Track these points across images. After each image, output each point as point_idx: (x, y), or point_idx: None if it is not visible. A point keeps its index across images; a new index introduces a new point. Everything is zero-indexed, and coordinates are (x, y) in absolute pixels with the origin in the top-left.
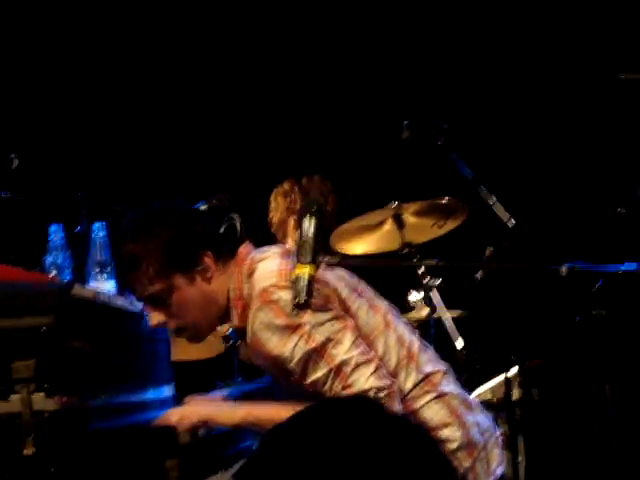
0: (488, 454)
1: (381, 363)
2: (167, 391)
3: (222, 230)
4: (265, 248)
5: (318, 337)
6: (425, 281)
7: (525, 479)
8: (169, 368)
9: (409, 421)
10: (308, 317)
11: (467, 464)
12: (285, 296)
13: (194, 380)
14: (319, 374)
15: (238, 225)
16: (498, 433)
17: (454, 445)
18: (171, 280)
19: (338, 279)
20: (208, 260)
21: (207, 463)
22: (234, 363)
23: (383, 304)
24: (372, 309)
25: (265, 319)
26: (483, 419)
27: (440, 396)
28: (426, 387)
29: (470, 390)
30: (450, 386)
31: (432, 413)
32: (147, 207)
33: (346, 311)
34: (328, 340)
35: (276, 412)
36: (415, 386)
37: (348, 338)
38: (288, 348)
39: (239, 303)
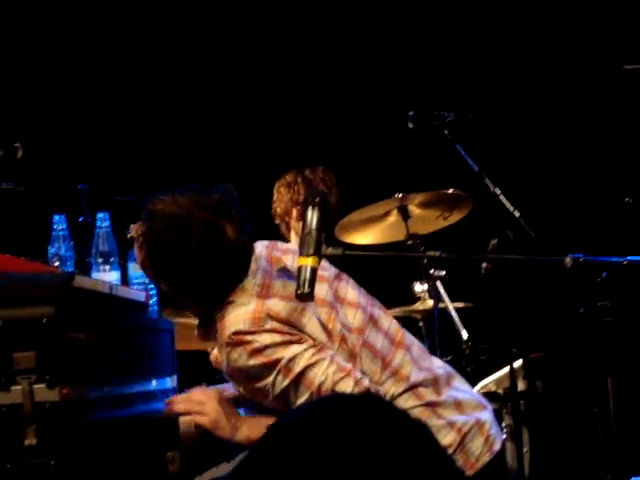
0: (465, 449)
1: (359, 374)
2: (170, 382)
3: None
4: (257, 243)
5: (295, 368)
6: (430, 272)
7: (530, 470)
8: (173, 359)
9: (411, 417)
10: (283, 352)
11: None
12: (258, 338)
13: (198, 370)
14: (302, 399)
15: None
16: (483, 421)
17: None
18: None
19: (314, 321)
20: None
21: (209, 454)
22: None
23: (353, 334)
24: (340, 346)
25: (240, 362)
26: (457, 416)
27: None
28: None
29: (475, 382)
30: (411, 403)
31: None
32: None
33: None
34: (305, 367)
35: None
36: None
37: (324, 360)
38: (267, 384)
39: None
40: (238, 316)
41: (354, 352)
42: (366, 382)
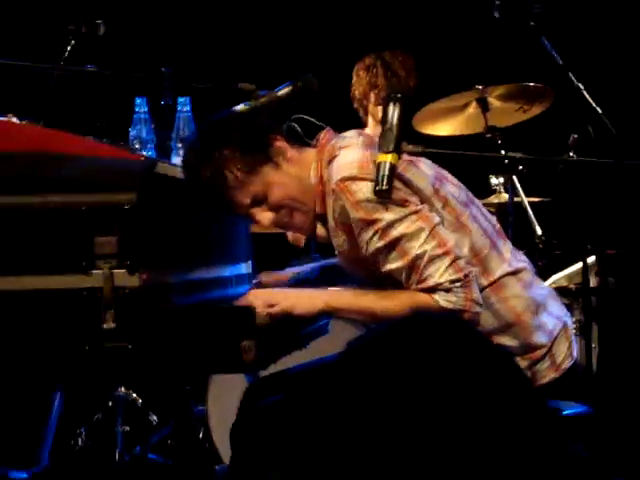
0: (553, 352)
1: (458, 254)
2: (245, 268)
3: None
4: (348, 134)
5: (393, 233)
6: (507, 166)
7: (598, 366)
8: (248, 245)
9: (490, 342)
10: (384, 213)
11: (525, 364)
12: (363, 188)
13: (271, 253)
14: (393, 266)
15: (299, 131)
16: (569, 324)
17: (514, 348)
18: (259, 175)
19: (420, 174)
20: (280, 143)
21: (283, 343)
22: (311, 241)
23: (457, 201)
24: (445, 208)
25: (343, 210)
26: (549, 318)
27: (504, 299)
28: (491, 292)
29: (547, 276)
30: (517, 287)
31: (495, 315)
32: (204, 124)
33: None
34: (402, 236)
35: (355, 300)
36: (482, 290)
37: (424, 232)
38: (363, 240)
39: (318, 189)
40: (345, 164)
41: (460, 221)
42: (462, 264)
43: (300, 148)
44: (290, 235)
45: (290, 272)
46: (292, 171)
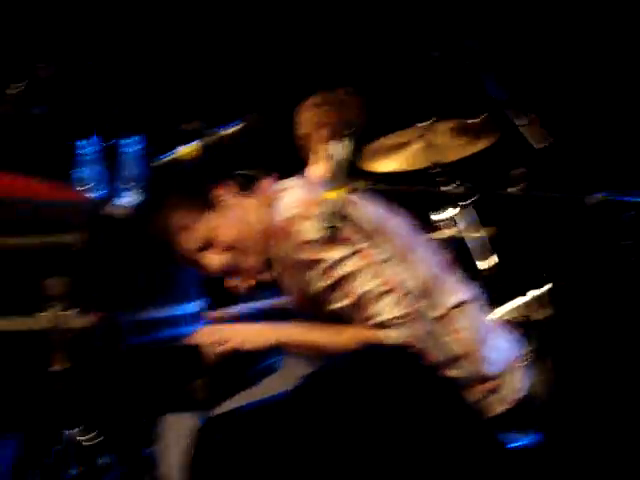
0: (504, 383)
1: (404, 290)
2: (196, 306)
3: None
4: (287, 180)
5: (338, 272)
6: (452, 200)
7: (554, 395)
8: (200, 283)
9: (437, 375)
10: (328, 252)
11: (474, 397)
12: (307, 228)
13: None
14: (338, 305)
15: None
16: (519, 355)
17: (463, 380)
18: (205, 220)
19: (363, 211)
20: (224, 189)
21: (234, 381)
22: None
23: (401, 236)
24: (388, 243)
25: (288, 251)
26: (498, 350)
27: (453, 332)
28: (440, 325)
29: (496, 308)
30: (465, 320)
31: (444, 348)
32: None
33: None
34: (347, 275)
35: (304, 335)
36: (430, 323)
37: (369, 270)
38: (308, 280)
39: (263, 231)
40: (288, 204)
41: (406, 255)
42: (408, 300)
43: (244, 194)
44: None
45: (241, 309)
46: (237, 215)
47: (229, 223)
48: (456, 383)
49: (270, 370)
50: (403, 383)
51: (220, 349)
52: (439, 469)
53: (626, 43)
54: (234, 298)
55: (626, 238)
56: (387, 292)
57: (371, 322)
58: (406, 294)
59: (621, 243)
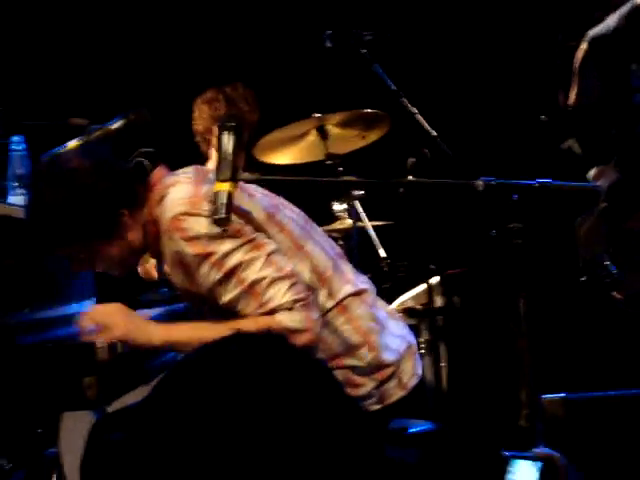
0: (400, 371)
1: (297, 278)
2: (90, 305)
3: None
4: (179, 171)
5: (229, 263)
6: (348, 192)
7: (447, 383)
8: (92, 282)
9: (313, 358)
10: (218, 245)
11: (373, 384)
12: (195, 224)
13: (119, 291)
14: (231, 295)
15: (146, 165)
16: (413, 343)
17: (362, 368)
18: (91, 247)
19: (253, 202)
20: (125, 218)
21: (126, 378)
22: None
23: (295, 226)
24: (282, 233)
25: (177, 248)
26: (393, 338)
27: (350, 320)
28: (337, 313)
29: (393, 298)
30: (362, 308)
31: (342, 337)
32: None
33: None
34: (238, 264)
35: (193, 333)
36: (327, 312)
37: (260, 259)
38: (200, 275)
39: (152, 229)
40: (175, 200)
41: (299, 244)
42: (301, 287)
43: (140, 207)
44: (140, 270)
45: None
46: (122, 245)
47: (114, 257)
48: (356, 370)
49: (166, 367)
50: (271, 368)
51: (102, 336)
52: (310, 458)
53: (510, 35)
54: (133, 296)
55: (513, 221)
56: (280, 278)
57: (265, 308)
58: (300, 281)
59: (508, 227)
